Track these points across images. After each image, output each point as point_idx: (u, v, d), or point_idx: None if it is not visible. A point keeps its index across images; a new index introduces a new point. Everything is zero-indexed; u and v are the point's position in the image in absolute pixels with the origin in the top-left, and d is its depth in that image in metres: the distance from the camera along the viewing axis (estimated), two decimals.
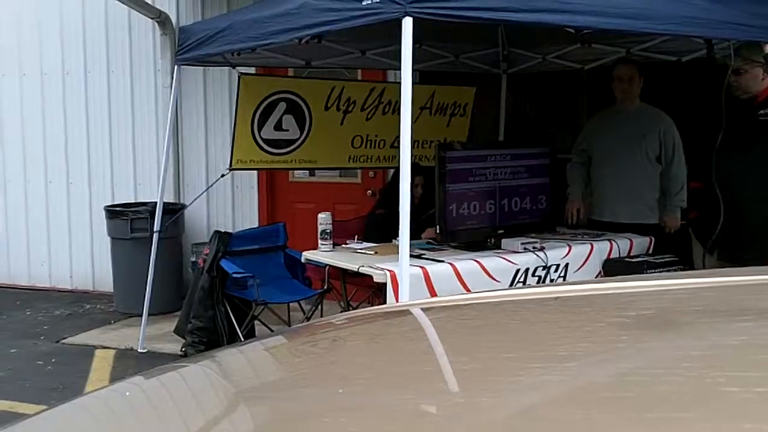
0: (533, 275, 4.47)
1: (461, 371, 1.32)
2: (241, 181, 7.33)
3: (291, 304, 5.79)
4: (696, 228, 5.29)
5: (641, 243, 5.01)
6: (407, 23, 3.61)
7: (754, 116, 4.79)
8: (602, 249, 4.81)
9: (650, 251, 5.00)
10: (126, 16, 7.52)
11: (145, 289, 5.84)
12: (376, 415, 1.15)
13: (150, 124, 7.63)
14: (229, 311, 5.45)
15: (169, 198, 7.14)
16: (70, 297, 7.76)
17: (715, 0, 4.23)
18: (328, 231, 4.84)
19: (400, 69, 3.75)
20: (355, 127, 6.20)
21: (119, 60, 7.69)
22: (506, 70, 6.65)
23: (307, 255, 4.92)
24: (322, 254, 4.82)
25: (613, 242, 4.87)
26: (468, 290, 4.09)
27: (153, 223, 6.01)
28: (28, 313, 7.24)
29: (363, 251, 4.70)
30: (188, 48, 5.28)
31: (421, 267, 4.12)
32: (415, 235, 4.25)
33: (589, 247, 4.76)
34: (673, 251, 4.91)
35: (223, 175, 6.13)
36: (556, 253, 4.58)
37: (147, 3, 7.17)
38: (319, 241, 4.85)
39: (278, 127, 5.90)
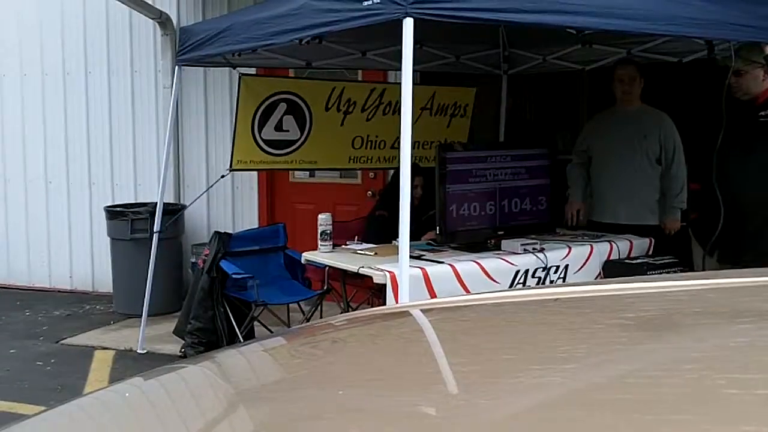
0: (533, 276, 4.47)
1: (461, 373, 1.32)
2: (242, 182, 7.33)
3: (291, 305, 5.78)
4: (696, 229, 5.29)
5: (641, 244, 5.00)
6: (408, 24, 3.61)
7: (755, 117, 4.79)
8: (602, 250, 4.80)
9: (650, 252, 5.00)
10: (127, 16, 7.53)
11: (145, 289, 5.83)
12: (375, 416, 1.15)
13: (150, 125, 7.64)
14: (229, 312, 5.45)
15: (169, 198, 7.14)
16: (70, 297, 7.76)
17: (715, 1, 4.23)
18: (328, 232, 4.84)
19: (400, 70, 3.75)
20: (356, 128, 6.20)
21: (120, 60, 7.70)
22: (507, 71, 6.65)
23: (307, 256, 4.92)
24: (322, 255, 4.82)
25: (612, 243, 4.87)
26: (468, 291, 4.09)
27: (153, 224, 6.01)
28: (27, 313, 7.24)
29: (363, 252, 4.70)
30: (189, 48, 5.29)
31: (420, 268, 4.12)
32: (414, 236, 4.24)
33: (589, 248, 4.75)
34: (673, 253, 4.91)
35: (223, 176, 6.13)
36: (555, 255, 4.58)
37: (148, 3, 7.17)
38: (319, 242, 4.85)
39: (278, 127, 5.90)
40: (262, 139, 5.85)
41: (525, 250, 4.50)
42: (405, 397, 1.21)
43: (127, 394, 1.49)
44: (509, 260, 4.43)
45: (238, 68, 5.88)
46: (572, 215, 5.39)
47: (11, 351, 6.09)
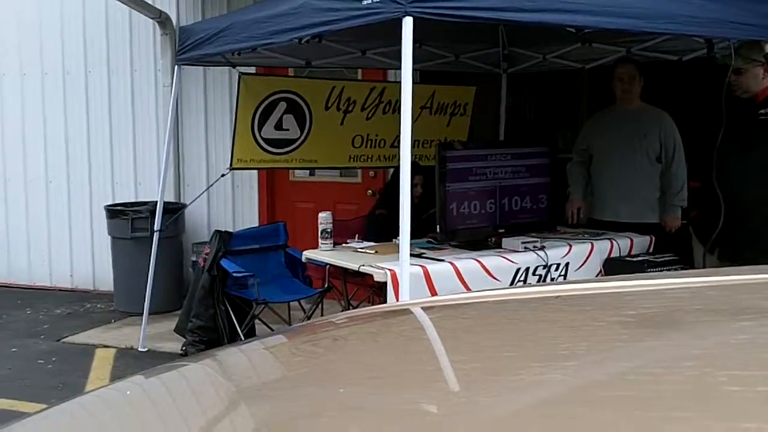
0: (534, 274, 4.47)
1: (462, 370, 1.32)
2: (242, 181, 7.33)
3: (291, 304, 5.78)
4: (696, 227, 5.29)
5: (642, 242, 5.00)
6: (407, 23, 3.61)
7: (755, 115, 4.79)
8: (603, 248, 4.80)
9: (651, 250, 5.00)
10: (126, 15, 7.52)
11: (146, 288, 5.84)
12: (376, 414, 1.15)
13: (150, 124, 7.63)
14: (230, 310, 5.45)
15: (170, 197, 7.14)
16: (71, 296, 7.76)
17: None
18: (329, 230, 4.84)
19: (400, 68, 3.75)
20: (356, 127, 6.20)
21: (120, 60, 7.69)
22: (506, 69, 6.65)
23: (308, 254, 4.92)
24: (323, 253, 4.82)
25: (613, 241, 4.87)
26: (468, 289, 4.09)
27: (153, 223, 6.01)
28: (28, 312, 7.24)
29: (363, 250, 4.70)
30: (189, 48, 5.29)
31: (421, 266, 4.12)
32: (415, 234, 4.25)
33: (590, 246, 4.76)
34: (674, 250, 4.91)
35: (223, 175, 6.13)
36: (556, 252, 4.58)
37: (147, 3, 7.17)
38: (320, 241, 4.85)
39: (278, 126, 5.90)
40: (262, 138, 5.85)
41: (526, 248, 4.50)
42: (406, 394, 1.21)
43: (128, 392, 1.49)
44: (510, 258, 4.43)
45: (237, 67, 5.88)
46: (573, 213, 5.39)
47: (12, 349, 6.09)
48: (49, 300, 7.62)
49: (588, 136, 5.58)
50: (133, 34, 7.62)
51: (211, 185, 6.63)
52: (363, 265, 4.29)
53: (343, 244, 4.95)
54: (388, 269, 4.04)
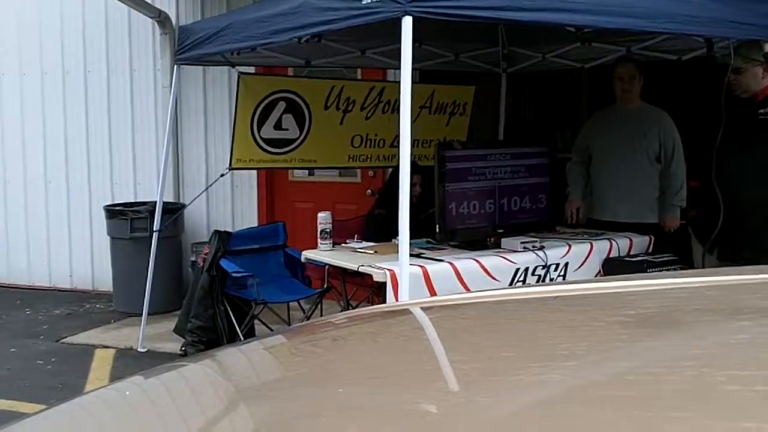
0: (533, 274, 4.47)
1: (461, 370, 1.32)
2: (241, 181, 7.32)
3: (291, 304, 5.78)
4: (696, 227, 5.29)
5: (641, 242, 5.01)
6: (407, 22, 3.61)
7: (754, 115, 4.79)
8: (602, 248, 4.80)
9: (650, 250, 5.00)
10: (126, 15, 7.52)
11: (145, 288, 5.83)
12: (375, 414, 1.15)
13: (150, 124, 7.63)
14: (229, 310, 5.45)
15: (169, 197, 7.13)
16: (70, 296, 7.76)
17: None
18: (328, 230, 4.84)
19: (399, 68, 3.75)
20: (355, 127, 6.20)
21: (119, 59, 7.69)
22: (506, 69, 6.65)
23: (307, 254, 4.92)
24: (322, 253, 4.83)
25: (612, 241, 4.87)
26: (468, 289, 4.09)
27: (153, 223, 6.01)
28: (27, 312, 7.24)
29: (363, 250, 4.70)
30: (188, 47, 5.28)
31: (420, 266, 4.12)
32: (413, 234, 4.25)
33: (589, 246, 4.76)
34: (673, 250, 4.91)
35: (222, 175, 6.13)
36: (555, 252, 4.58)
37: (147, 2, 7.17)
38: (319, 241, 4.85)
39: (278, 126, 5.90)
40: (262, 138, 5.85)
41: (525, 248, 4.51)
42: (405, 395, 1.21)
43: (127, 393, 1.49)
44: (509, 258, 4.43)
45: (237, 67, 5.88)
46: (572, 213, 5.39)
47: (12, 350, 6.09)
48: (49, 300, 7.62)
49: (587, 136, 5.58)
50: (132, 34, 7.62)
51: (211, 185, 6.63)
52: (362, 265, 4.29)
53: (343, 244, 4.95)
54: (388, 269, 4.04)
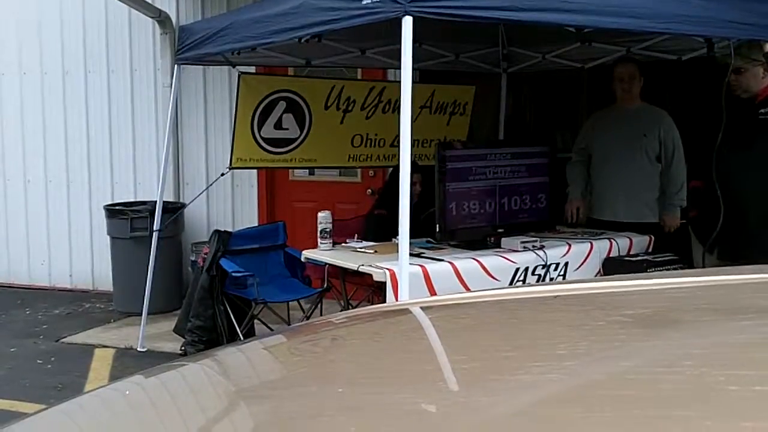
0: (533, 274, 4.47)
1: (461, 370, 1.32)
2: (241, 180, 7.32)
3: (290, 303, 5.78)
4: (696, 227, 5.29)
5: (641, 242, 5.01)
6: (407, 22, 3.61)
7: (755, 115, 4.79)
8: (602, 248, 4.81)
9: (650, 250, 5.00)
10: (126, 15, 7.52)
11: (145, 288, 5.83)
12: (375, 413, 1.15)
13: (150, 124, 7.63)
14: (229, 310, 5.45)
15: (169, 197, 7.13)
16: (70, 296, 7.76)
17: None
18: (328, 230, 4.84)
19: (400, 68, 3.75)
20: (355, 126, 6.20)
21: (119, 59, 7.69)
22: (506, 69, 6.65)
23: (307, 254, 4.92)
24: (322, 253, 4.83)
25: (612, 241, 4.87)
26: (468, 289, 4.09)
27: (153, 222, 6.01)
28: (27, 312, 7.24)
29: (363, 250, 4.70)
30: (188, 47, 5.28)
31: (420, 266, 4.12)
32: (413, 234, 4.25)
33: (589, 245, 4.76)
34: (673, 250, 4.91)
35: (222, 174, 6.13)
36: (555, 252, 4.58)
37: (147, 2, 7.17)
38: (319, 240, 4.85)
39: (278, 126, 5.89)
40: (262, 138, 5.84)
41: (525, 247, 4.51)
42: (405, 394, 1.21)
43: (127, 392, 1.49)
44: (509, 258, 4.43)
45: (237, 67, 5.88)
46: (572, 213, 5.39)
47: (11, 349, 6.09)
48: (48, 300, 7.61)
49: (587, 136, 5.58)
50: (132, 34, 7.62)
51: (211, 185, 6.63)
52: (362, 265, 4.29)
53: (343, 244, 4.95)
54: (387, 269, 4.04)
